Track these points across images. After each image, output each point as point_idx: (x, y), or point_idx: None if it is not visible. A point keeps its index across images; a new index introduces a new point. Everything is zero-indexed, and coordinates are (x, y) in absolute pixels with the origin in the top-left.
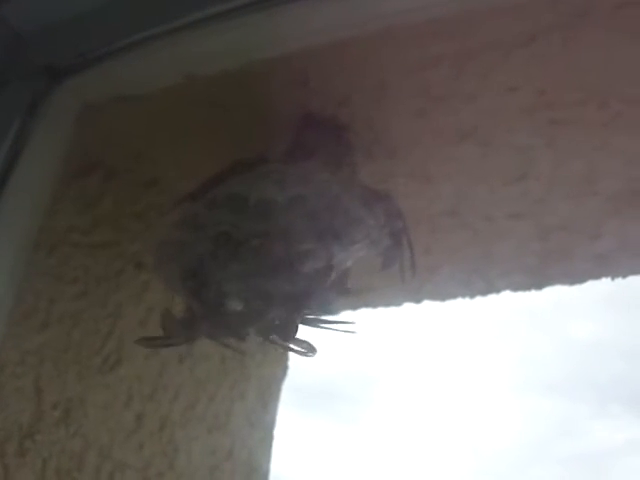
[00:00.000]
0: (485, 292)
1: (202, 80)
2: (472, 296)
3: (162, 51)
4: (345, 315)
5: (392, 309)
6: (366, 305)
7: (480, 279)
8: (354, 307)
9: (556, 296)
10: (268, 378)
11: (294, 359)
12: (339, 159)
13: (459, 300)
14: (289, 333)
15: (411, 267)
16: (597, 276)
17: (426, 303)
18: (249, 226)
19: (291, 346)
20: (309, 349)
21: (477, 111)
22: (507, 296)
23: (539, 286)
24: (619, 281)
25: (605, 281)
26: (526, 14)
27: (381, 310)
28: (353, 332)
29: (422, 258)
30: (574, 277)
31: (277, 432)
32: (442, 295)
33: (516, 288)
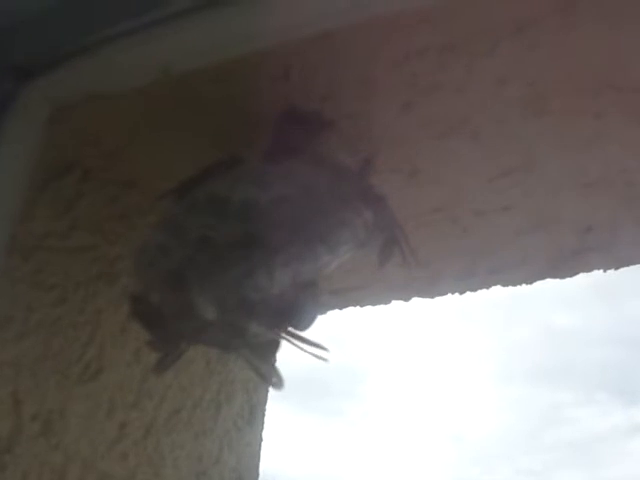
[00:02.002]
0: (475, 288)
1: (179, 77)
2: (461, 292)
3: (136, 47)
4: (332, 314)
5: (380, 307)
6: (354, 303)
7: (470, 275)
8: (341, 306)
9: (540, 285)
10: (254, 380)
11: (280, 357)
12: (325, 156)
13: (448, 296)
14: (267, 354)
15: (410, 255)
16: (589, 269)
17: (415, 300)
18: (230, 229)
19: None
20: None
21: (465, 103)
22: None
23: (530, 281)
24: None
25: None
26: (514, 2)
27: (369, 309)
28: (325, 359)
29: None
30: (565, 271)
31: (265, 432)
32: (431, 292)
33: (506, 283)
